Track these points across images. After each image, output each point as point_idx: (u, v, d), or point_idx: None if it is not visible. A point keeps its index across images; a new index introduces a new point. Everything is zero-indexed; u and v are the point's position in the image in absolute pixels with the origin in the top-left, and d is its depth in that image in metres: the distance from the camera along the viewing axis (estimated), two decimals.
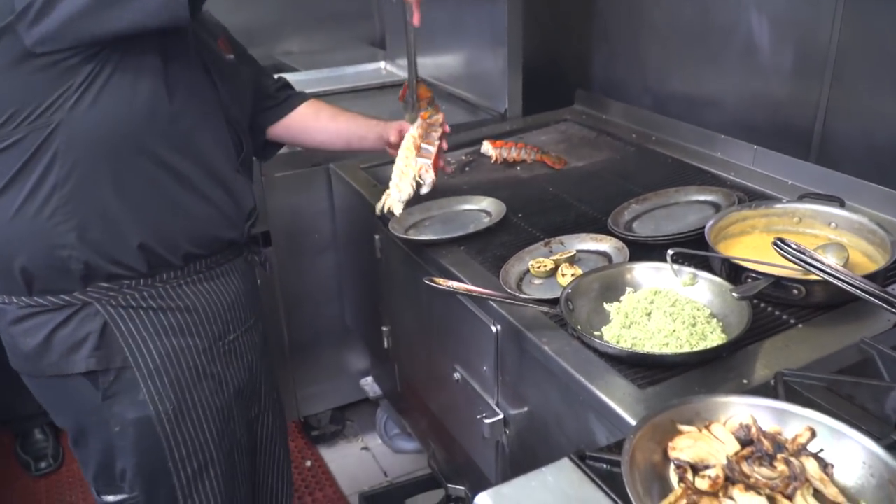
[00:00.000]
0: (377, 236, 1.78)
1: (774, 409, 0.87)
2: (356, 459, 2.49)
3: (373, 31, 3.47)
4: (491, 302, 1.30)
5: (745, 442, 0.85)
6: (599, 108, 2.36)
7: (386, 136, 1.71)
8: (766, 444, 0.83)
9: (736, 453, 0.83)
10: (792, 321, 1.20)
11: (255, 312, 1.50)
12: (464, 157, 2.10)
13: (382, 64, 3.08)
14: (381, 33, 3.30)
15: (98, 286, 1.25)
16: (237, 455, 1.45)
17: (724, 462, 0.82)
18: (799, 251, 1.09)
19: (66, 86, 1.13)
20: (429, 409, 1.77)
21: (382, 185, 1.93)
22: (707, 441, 0.84)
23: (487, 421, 1.36)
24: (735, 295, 1.12)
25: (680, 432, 0.86)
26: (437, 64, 2.72)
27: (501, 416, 1.36)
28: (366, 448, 2.54)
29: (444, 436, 1.77)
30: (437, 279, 1.20)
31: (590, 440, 1.12)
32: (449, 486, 1.74)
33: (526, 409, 1.32)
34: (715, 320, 1.18)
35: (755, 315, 1.16)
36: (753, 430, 0.85)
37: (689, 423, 0.87)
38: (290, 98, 1.71)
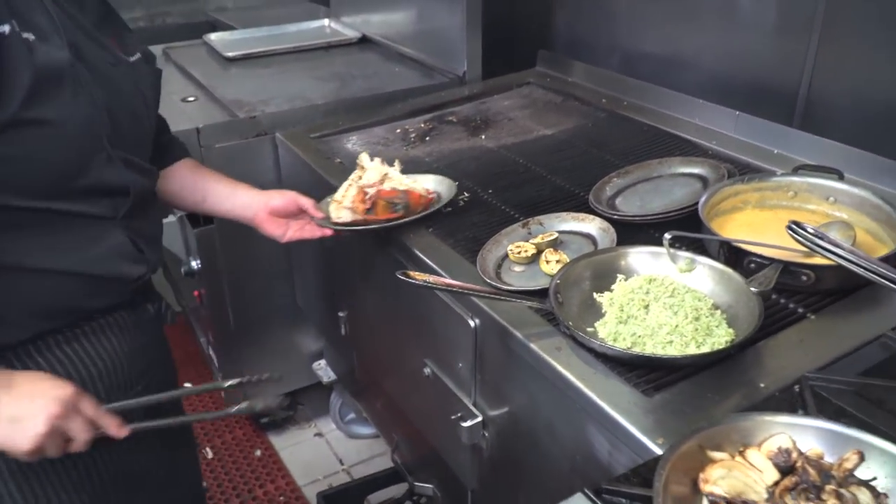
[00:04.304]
0: None
1: (814, 427, 0.76)
2: (309, 447, 2.35)
3: None
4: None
5: (785, 469, 0.73)
6: (563, 69, 2.20)
7: (276, 203, 1.40)
8: (812, 473, 0.71)
9: (776, 483, 0.72)
10: (800, 310, 1.09)
11: (146, 373, 1.21)
12: (423, 125, 1.93)
13: (326, 21, 2.86)
14: None
15: None
16: None
17: (765, 496, 0.70)
18: (817, 236, 0.97)
19: None
20: (393, 402, 1.63)
21: (334, 156, 1.75)
22: (743, 470, 0.72)
23: (465, 424, 1.22)
24: (753, 289, 1.00)
25: (711, 460, 0.74)
26: (387, 21, 2.52)
27: (480, 418, 1.23)
28: (319, 434, 2.40)
29: (409, 429, 1.63)
30: (411, 273, 1.05)
31: (588, 451, 0.99)
32: (416, 484, 1.61)
33: (507, 409, 1.18)
34: (719, 312, 1.07)
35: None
36: (794, 454, 0.73)
37: (720, 448, 0.75)
38: (172, 146, 1.38)
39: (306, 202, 1.38)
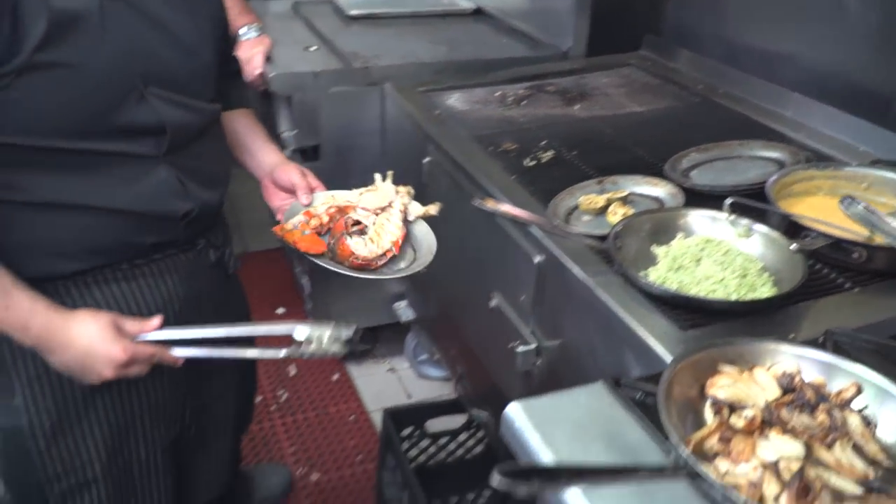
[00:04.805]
0: (426, 160, 1.76)
1: (821, 361, 0.85)
2: (381, 379, 2.54)
3: None
4: (535, 232, 1.29)
5: (787, 390, 0.83)
6: (667, 55, 2.27)
7: (279, 174, 1.35)
8: (809, 393, 0.81)
9: (776, 399, 0.82)
10: (847, 285, 1.16)
11: (201, 317, 1.24)
12: (521, 92, 2.06)
13: None
14: None
15: None
16: (137, 471, 1.27)
17: (763, 405, 0.81)
18: (868, 210, 1.05)
19: None
20: (460, 334, 1.78)
21: (434, 108, 1.90)
22: (747, 383, 0.83)
23: (520, 350, 1.36)
24: (793, 247, 1.08)
25: (720, 372, 0.85)
26: None
27: (534, 345, 1.36)
28: (392, 370, 2.59)
29: (472, 362, 1.78)
30: (487, 200, 1.19)
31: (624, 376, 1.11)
32: (473, 410, 1.76)
33: (560, 341, 1.31)
34: (766, 274, 1.15)
35: (810, 275, 1.12)
36: (797, 379, 0.83)
37: (732, 363, 0.86)
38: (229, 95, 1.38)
39: (299, 183, 1.32)
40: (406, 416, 1.95)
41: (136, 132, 1.08)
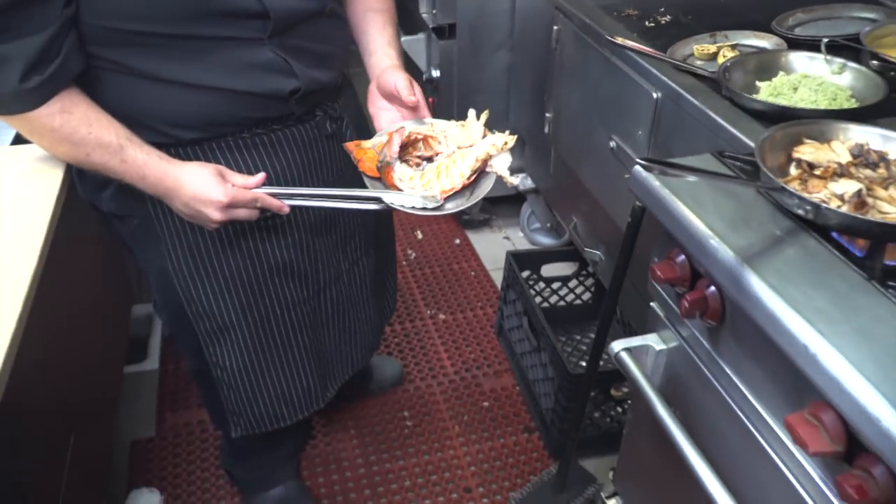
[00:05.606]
0: (556, 27, 2.01)
1: (886, 136, 1.09)
2: (497, 245, 2.87)
3: None
4: (654, 71, 1.54)
5: (857, 156, 1.07)
6: None
7: (383, 78, 1.34)
8: (874, 155, 1.05)
9: (848, 162, 1.07)
10: None
11: (316, 186, 1.34)
12: None
13: None
14: None
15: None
16: (275, 324, 1.40)
17: (836, 165, 1.06)
18: None
19: None
20: (578, 184, 2.06)
21: None
22: (826, 151, 1.08)
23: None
24: (873, 62, 1.29)
25: (804, 143, 1.10)
26: None
27: None
28: (507, 238, 2.91)
29: (588, 209, 2.06)
30: (619, 38, 1.44)
31: None
32: (586, 249, 2.05)
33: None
34: (854, 100, 1.37)
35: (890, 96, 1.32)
36: (865, 147, 1.07)
37: (814, 138, 1.10)
38: None
39: (404, 89, 1.29)
40: (525, 260, 2.28)
41: (240, 17, 1.12)
